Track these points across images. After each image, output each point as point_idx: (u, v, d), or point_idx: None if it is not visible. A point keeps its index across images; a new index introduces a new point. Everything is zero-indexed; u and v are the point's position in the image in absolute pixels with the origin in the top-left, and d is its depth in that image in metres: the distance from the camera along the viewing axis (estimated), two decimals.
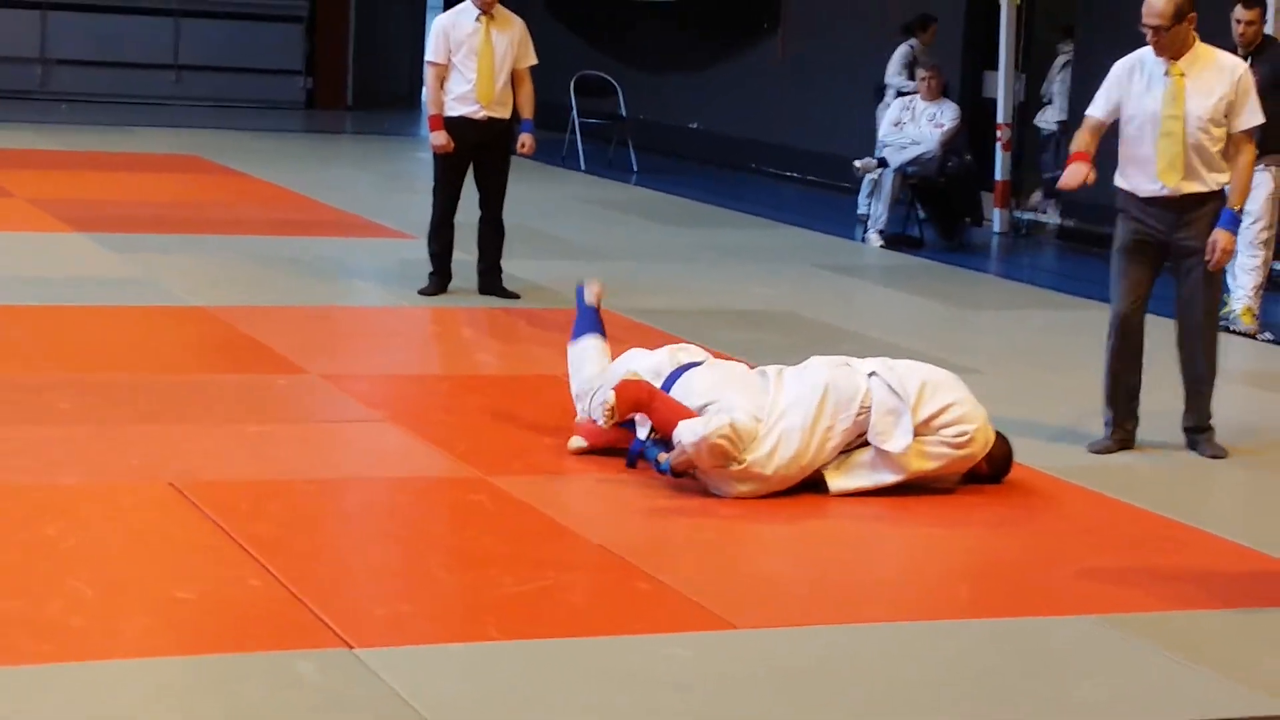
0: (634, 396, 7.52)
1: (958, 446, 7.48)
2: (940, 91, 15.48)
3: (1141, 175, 8.26)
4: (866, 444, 7.44)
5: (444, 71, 11.28)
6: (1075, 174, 8.17)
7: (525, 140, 11.52)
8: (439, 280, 11.49)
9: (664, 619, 5.93)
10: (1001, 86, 16.66)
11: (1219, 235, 8.25)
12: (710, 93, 21.41)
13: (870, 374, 7.52)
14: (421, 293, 11.41)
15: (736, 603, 6.09)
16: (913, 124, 15.40)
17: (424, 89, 11.47)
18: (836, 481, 7.40)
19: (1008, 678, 5.66)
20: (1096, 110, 8.36)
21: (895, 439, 7.39)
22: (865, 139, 15.91)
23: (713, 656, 5.64)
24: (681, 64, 21.91)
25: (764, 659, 5.65)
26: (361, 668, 5.32)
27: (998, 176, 16.65)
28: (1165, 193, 8.20)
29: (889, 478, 7.41)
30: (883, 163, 15.32)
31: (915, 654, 5.79)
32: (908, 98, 15.59)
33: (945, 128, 15.29)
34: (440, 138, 11.19)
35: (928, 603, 6.39)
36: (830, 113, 19.12)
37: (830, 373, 7.53)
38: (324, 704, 5.09)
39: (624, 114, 20.50)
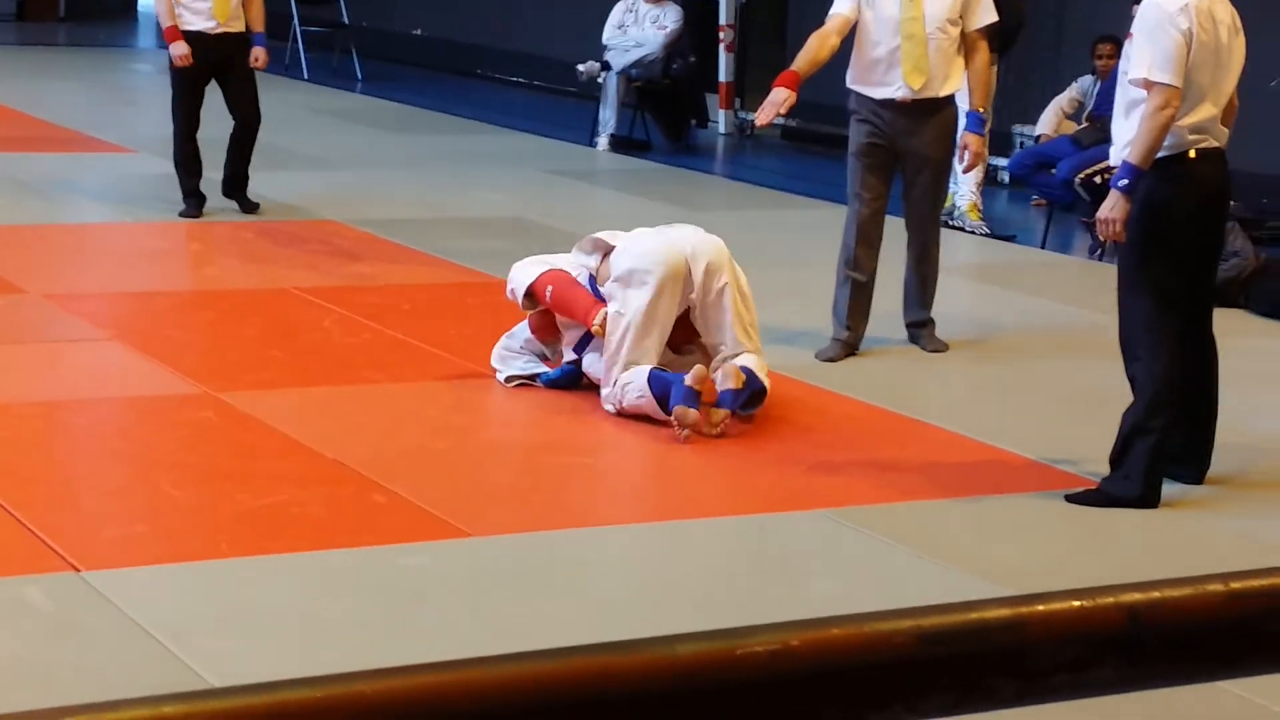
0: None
1: None
2: None
3: (877, 78, 8.23)
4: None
5: None
6: (769, 107, 7.87)
7: (258, 54, 11.32)
8: (195, 201, 11.17)
9: (400, 529, 5.93)
10: None
11: (969, 139, 8.37)
12: None
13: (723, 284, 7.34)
14: (182, 215, 11.10)
15: (472, 511, 6.10)
16: (636, 26, 15.39)
17: (154, 2, 11.11)
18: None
19: (744, 574, 5.74)
20: (842, 7, 8.20)
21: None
22: (592, 43, 15.88)
23: (449, 564, 5.66)
24: None
25: (501, 565, 5.68)
26: (91, 591, 5.24)
27: (722, 78, 16.75)
28: (900, 96, 8.20)
29: None
30: (606, 66, 15.32)
31: (652, 554, 5.86)
32: (629, 0, 15.56)
33: (668, 30, 15.30)
34: (180, 48, 10.87)
35: (661, 504, 6.46)
36: (555, 17, 19.06)
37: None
38: (53, 630, 5.01)
39: (346, 21, 20.24)
